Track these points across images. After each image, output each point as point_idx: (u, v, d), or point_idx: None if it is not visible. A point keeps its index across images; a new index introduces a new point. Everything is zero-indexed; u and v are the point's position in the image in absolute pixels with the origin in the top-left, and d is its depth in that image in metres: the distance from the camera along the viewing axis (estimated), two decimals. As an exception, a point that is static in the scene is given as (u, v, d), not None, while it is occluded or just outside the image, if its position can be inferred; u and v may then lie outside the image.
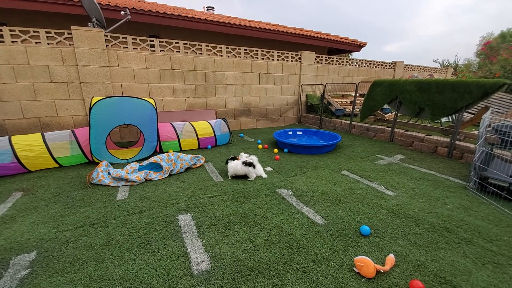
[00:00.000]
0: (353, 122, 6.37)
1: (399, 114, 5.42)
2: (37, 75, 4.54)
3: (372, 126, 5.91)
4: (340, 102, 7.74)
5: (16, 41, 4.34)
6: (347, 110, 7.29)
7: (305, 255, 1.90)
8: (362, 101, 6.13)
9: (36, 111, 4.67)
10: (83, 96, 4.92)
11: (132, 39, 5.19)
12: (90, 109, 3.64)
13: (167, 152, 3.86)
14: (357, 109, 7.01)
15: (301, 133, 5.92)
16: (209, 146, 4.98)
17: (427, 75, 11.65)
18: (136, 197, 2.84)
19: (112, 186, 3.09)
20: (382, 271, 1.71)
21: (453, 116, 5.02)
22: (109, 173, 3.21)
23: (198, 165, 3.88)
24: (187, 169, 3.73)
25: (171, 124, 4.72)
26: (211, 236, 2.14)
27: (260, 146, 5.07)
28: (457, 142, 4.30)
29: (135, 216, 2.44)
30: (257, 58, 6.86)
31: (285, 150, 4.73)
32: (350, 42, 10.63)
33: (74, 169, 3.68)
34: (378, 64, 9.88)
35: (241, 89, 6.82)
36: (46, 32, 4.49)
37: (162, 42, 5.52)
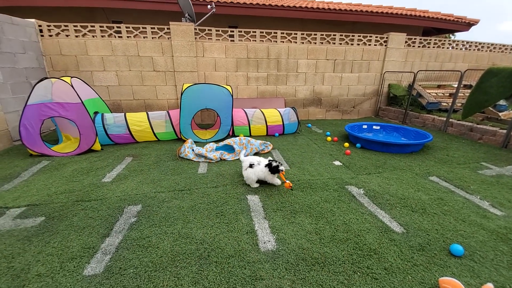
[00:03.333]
0: (451, 119, 5.25)
1: (523, 113, 4.15)
2: (144, 64, 5.55)
3: (478, 126, 4.74)
4: (435, 94, 6.47)
5: (130, 36, 5.38)
6: (443, 104, 6.04)
7: (376, 261, 1.76)
8: (468, 94, 4.95)
9: (142, 94, 5.77)
10: (175, 83, 5.76)
11: (216, 30, 5.65)
12: (182, 94, 4.24)
13: (239, 136, 4.16)
14: (458, 104, 5.71)
15: (378, 127, 5.30)
16: (276, 134, 5.07)
17: None
18: (213, 173, 3.21)
19: (194, 161, 3.59)
20: (478, 301, 1.43)
21: None
22: (192, 150, 3.72)
23: (265, 151, 4.04)
24: (256, 153, 3.93)
25: (244, 110, 5.02)
26: (276, 219, 2.24)
27: (329, 138, 4.84)
28: None
29: (212, 189, 2.78)
30: (334, 43, 6.38)
31: (358, 145, 4.36)
32: (456, 19, 8.58)
33: (167, 143, 4.42)
34: (494, 47, 7.68)
35: (313, 77, 6.56)
36: (151, 28, 5.37)
37: (241, 31, 5.80)
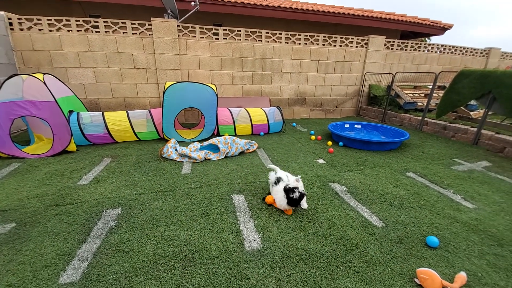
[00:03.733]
0: (426, 118, 5.55)
1: (490, 113, 4.47)
2: (123, 61, 5.33)
3: (451, 124, 5.04)
4: (412, 95, 6.79)
5: (108, 32, 5.14)
6: (419, 104, 6.36)
7: (358, 255, 1.82)
8: (442, 95, 5.25)
9: (122, 92, 5.54)
10: (157, 81, 5.59)
11: (200, 28, 5.55)
12: (164, 92, 4.12)
13: (223, 135, 4.12)
14: (433, 104, 6.04)
15: (359, 126, 5.48)
16: (262, 133, 5.08)
17: (537, 65, 9.15)
18: (197, 173, 3.15)
19: (178, 161, 3.51)
20: (450, 288, 1.51)
21: None
22: (176, 150, 3.63)
23: (251, 150, 4.03)
24: (241, 153, 3.92)
25: (228, 109, 4.98)
26: (262, 218, 2.24)
27: (313, 137, 4.93)
28: None
29: (196, 189, 2.72)
30: (318, 44, 6.50)
31: (340, 143, 4.48)
32: (432, 24, 9.06)
33: (149, 143, 4.28)
34: (466, 51, 8.20)
35: (297, 77, 6.65)
36: (131, 23, 5.17)
37: (225, 30, 5.74)
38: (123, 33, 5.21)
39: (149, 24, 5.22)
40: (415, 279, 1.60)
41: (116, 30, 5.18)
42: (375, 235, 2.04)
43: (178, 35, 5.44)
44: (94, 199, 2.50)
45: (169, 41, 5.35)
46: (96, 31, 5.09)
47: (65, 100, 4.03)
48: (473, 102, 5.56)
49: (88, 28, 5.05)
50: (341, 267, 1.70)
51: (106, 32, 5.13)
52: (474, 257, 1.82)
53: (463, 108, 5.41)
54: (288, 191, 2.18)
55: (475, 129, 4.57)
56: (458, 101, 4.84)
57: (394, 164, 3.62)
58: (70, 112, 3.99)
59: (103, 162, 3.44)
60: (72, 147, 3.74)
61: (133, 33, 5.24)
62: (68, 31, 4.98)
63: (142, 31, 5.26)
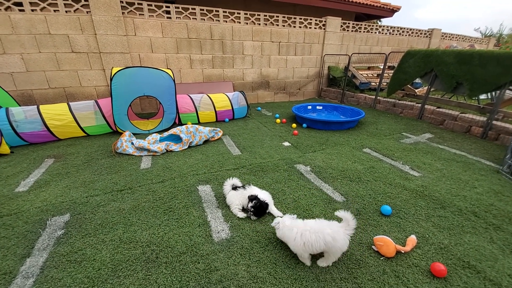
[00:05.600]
0: (378, 97, 5.97)
1: (432, 89, 4.97)
2: (58, 44, 4.57)
3: (399, 101, 5.52)
4: (366, 75, 7.22)
5: (35, 10, 4.32)
6: (372, 83, 6.80)
7: (323, 231, 1.90)
8: (391, 74, 5.66)
9: (60, 81, 4.80)
10: (103, 67, 4.95)
11: (148, 5, 4.98)
12: (111, 79, 3.67)
13: (186, 124, 3.89)
14: (384, 83, 6.51)
15: (321, 108, 5.68)
16: (227, 119, 4.95)
17: (467, 46, 10.40)
18: (159, 167, 2.94)
19: (135, 155, 3.22)
20: (402, 251, 1.68)
21: (493, 93, 4.53)
22: (132, 143, 3.33)
23: (216, 138, 3.90)
24: (206, 141, 3.77)
25: (189, 96, 4.69)
26: (230, 207, 2.20)
27: (278, 120, 4.96)
28: (494, 122, 3.92)
29: (158, 184, 2.55)
30: (278, 25, 6.39)
31: (304, 125, 4.60)
32: (382, 6, 9.53)
33: (100, 138, 3.85)
34: (412, 32, 8.90)
35: (259, 60, 6.52)
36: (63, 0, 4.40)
37: (178, 8, 5.26)
38: (54, 10, 4.42)
39: (85, 0, 4.50)
40: (373, 246, 1.74)
41: (45, 7, 4.36)
42: (337, 210, 2.15)
43: (123, 12, 4.81)
44: (37, 206, 2.18)
45: (112, 20, 4.71)
46: (20, 10, 4.22)
47: (-15, 94, 3.34)
48: (418, 80, 6.12)
49: (10, 7, 4.16)
50: (308, 245, 1.77)
51: (32, 10, 4.29)
52: (422, 221, 2.05)
53: (409, 86, 5.94)
54: (253, 205, 1.99)
55: (420, 105, 5.07)
56: (405, 80, 5.28)
57: (352, 141, 3.85)
58: (-6, 107, 3.34)
59: (45, 164, 3.00)
60: (4, 149, 3.17)
61: (66, 11, 4.47)
62: (-21, 8, 4.04)
63: (78, 8, 4.52)
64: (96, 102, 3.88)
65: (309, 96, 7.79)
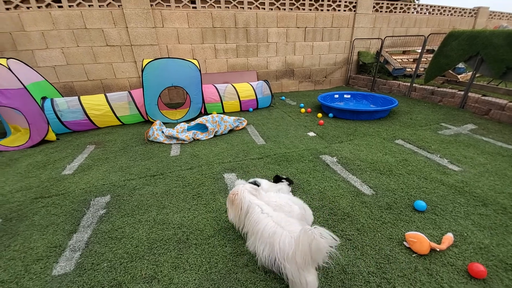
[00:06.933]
0: (414, 84, 5.51)
1: (477, 75, 4.46)
2: (94, 38, 4.87)
3: (438, 89, 5.04)
4: (400, 60, 6.67)
5: (72, 5, 4.60)
6: (408, 69, 6.28)
7: (349, 223, 1.87)
8: (430, 59, 5.17)
9: (97, 73, 5.15)
10: (135, 59, 5.20)
11: (174, -5, 5.05)
12: (142, 71, 3.84)
13: (211, 114, 3.98)
14: (421, 69, 5.97)
15: (349, 96, 5.42)
16: (251, 109, 4.95)
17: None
18: (187, 154, 3.07)
19: (165, 143, 3.40)
20: (437, 249, 1.59)
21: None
22: (162, 132, 3.50)
23: (240, 128, 3.94)
24: (230, 131, 3.83)
25: (214, 85, 4.76)
26: (255, 196, 2.24)
27: (303, 110, 4.85)
28: (556, 111, 3.43)
29: (187, 171, 2.67)
30: (304, 9, 6.11)
31: (330, 115, 4.44)
32: (422, -18, 8.62)
33: (134, 127, 4.10)
34: (455, 11, 7.96)
35: (284, 47, 6.34)
36: (97, -6, 4.63)
37: (204, -3, 5.26)
38: (89, 5, 4.68)
39: (117, -6, 4.69)
40: (404, 243, 1.67)
41: (80, 3, 4.64)
42: (366, 203, 2.09)
43: (151, 4, 4.94)
44: (81, 188, 2.42)
45: (142, 13, 4.87)
46: (58, 6, 4.54)
47: (36, 86, 3.70)
48: (460, 65, 5.53)
49: (50, 3, 4.50)
50: (334, 237, 1.75)
51: (70, 6, 4.59)
52: (460, 218, 1.91)
53: (451, 72, 5.39)
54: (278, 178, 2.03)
55: (462, 93, 4.60)
56: (446, 65, 4.79)
57: (383, 132, 3.64)
58: (43, 98, 3.70)
59: (87, 150, 3.29)
60: (52, 136, 3.54)
61: (100, 5, 4.71)
62: (28, 8, 4.43)
63: (110, 2, 4.73)
64: (130, 93, 4.12)
65: (336, 84, 7.45)
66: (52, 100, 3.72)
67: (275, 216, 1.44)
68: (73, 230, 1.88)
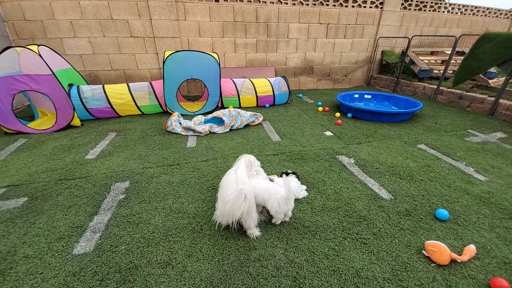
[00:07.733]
0: (441, 87, 5.24)
1: (511, 81, 4.16)
2: (119, 29, 5.01)
3: (467, 93, 4.76)
4: (427, 61, 6.35)
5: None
6: (435, 71, 5.97)
7: (365, 227, 1.82)
8: (461, 61, 4.88)
9: (121, 63, 5.31)
10: (157, 51, 5.30)
11: (198, -12, 5.08)
12: (164, 62, 3.92)
13: (228, 107, 4.00)
14: (450, 71, 5.65)
15: (369, 96, 5.24)
16: (267, 105, 4.92)
17: None
18: (203, 146, 3.12)
19: (183, 134, 3.46)
20: (458, 260, 1.51)
21: None
22: (180, 123, 3.56)
23: (256, 123, 3.93)
24: (246, 125, 3.83)
25: (232, 80, 4.77)
26: (269, 192, 2.23)
27: (320, 108, 4.76)
28: None
29: (202, 163, 2.71)
30: (328, 5, 5.95)
31: (349, 115, 4.32)
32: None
33: (153, 117, 4.21)
34: (489, 12, 7.44)
35: (304, 43, 6.22)
36: (125, -15, 4.74)
37: (227, -10, 5.25)
38: (116, -4, 4.81)
39: (143, -14, 4.78)
40: (423, 251, 1.60)
41: (107, -7, 4.78)
42: (383, 208, 2.02)
43: (175, -3, 5.00)
44: (102, 173, 2.52)
45: (165, 5, 4.94)
46: (87, -4, 4.71)
47: (63, 73, 3.88)
48: (492, 69, 5.18)
49: (79, -8, 4.67)
50: (348, 239, 1.72)
51: (97, -4, 4.74)
52: (484, 230, 1.81)
53: (481, 76, 5.06)
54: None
55: (493, 99, 4.31)
56: (478, 68, 4.50)
57: (405, 135, 3.50)
58: (70, 85, 3.88)
59: (109, 137, 3.42)
60: (76, 121, 3.70)
61: (126, -3, 4.83)
62: (58, -4, 4.62)
63: (136, -6, 4.84)
64: (151, 83, 4.21)
65: (356, 83, 7.23)
66: (78, 87, 3.88)
67: (238, 174, 1.77)
68: (94, 212, 1.97)
